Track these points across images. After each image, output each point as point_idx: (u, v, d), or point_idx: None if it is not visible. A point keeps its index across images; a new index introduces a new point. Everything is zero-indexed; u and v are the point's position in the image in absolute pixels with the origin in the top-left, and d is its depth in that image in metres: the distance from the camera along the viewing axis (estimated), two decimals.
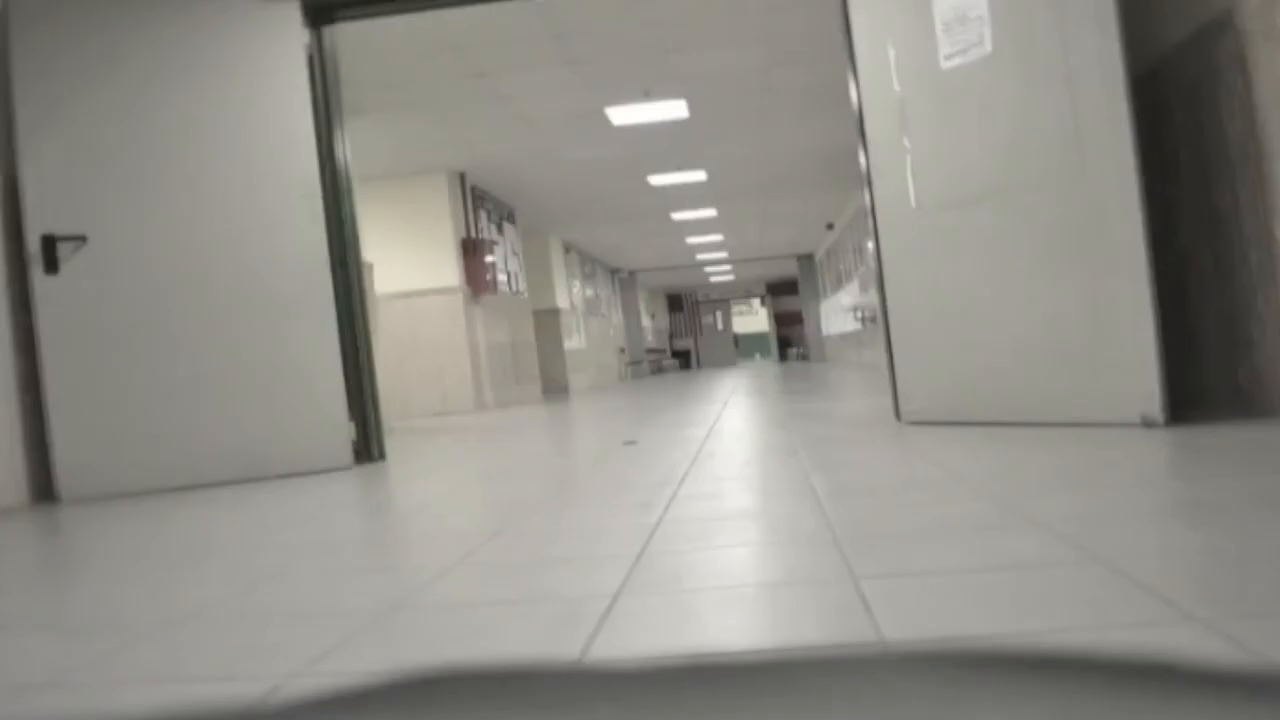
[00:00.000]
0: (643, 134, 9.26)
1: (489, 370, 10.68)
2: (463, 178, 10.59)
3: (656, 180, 11.58)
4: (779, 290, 30.48)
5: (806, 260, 22.71)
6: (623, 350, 21.90)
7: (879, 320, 4.59)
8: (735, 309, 33.71)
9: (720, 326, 31.91)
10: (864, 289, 14.03)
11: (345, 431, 4.38)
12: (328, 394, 4.33)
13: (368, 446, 4.56)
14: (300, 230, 4.32)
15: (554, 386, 14.78)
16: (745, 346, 34.26)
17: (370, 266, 8.34)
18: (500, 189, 11.52)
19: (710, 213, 14.63)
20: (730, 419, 5.55)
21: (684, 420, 5.78)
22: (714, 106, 8.61)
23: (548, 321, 14.86)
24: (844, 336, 17.52)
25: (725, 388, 10.39)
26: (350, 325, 4.53)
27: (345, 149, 4.71)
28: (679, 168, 11.05)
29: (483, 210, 11.30)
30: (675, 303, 30.80)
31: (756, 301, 36.73)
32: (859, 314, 14.06)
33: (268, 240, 4.27)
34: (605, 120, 8.69)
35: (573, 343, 15.91)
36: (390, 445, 4.92)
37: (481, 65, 7.15)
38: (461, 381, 10.26)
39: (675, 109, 8.51)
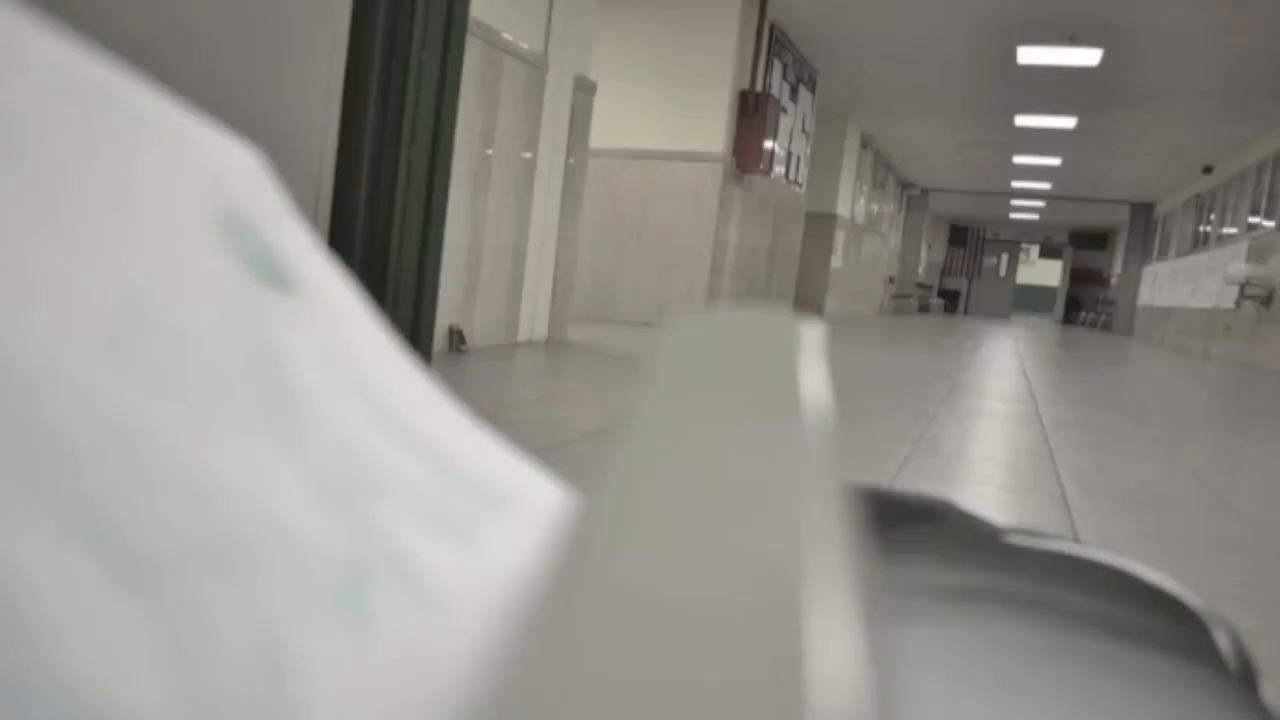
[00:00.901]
0: None
1: (732, 277, 7.71)
2: (763, 6, 7.42)
3: (1029, 56, 7.98)
4: (1084, 242, 25.56)
5: (1143, 210, 18.15)
6: (891, 279, 18.32)
7: None
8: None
9: (1002, 273, 27.35)
10: (1260, 259, 9.96)
11: None
12: None
13: None
14: None
15: (804, 310, 11.60)
16: (1018, 299, 29.56)
17: (593, 88, 5.44)
18: (809, 38, 8.28)
19: (1067, 123, 10.80)
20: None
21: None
22: None
23: (819, 229, 11.70)
24: (1180, 312, 13.27)
25: (1040, 358, 6.87)
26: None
27: None
28: (1073, 39, 7.42)
29: (778, 61, 8.13)
30: (957, 236, 26.36)
31: (1035, 251, 31.76)
32: (1244, 289, 10.02)
33: None
34: None
35: (838, 261, 12.66)
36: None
37: None
38: (692, 286, 7.31)
39: None
